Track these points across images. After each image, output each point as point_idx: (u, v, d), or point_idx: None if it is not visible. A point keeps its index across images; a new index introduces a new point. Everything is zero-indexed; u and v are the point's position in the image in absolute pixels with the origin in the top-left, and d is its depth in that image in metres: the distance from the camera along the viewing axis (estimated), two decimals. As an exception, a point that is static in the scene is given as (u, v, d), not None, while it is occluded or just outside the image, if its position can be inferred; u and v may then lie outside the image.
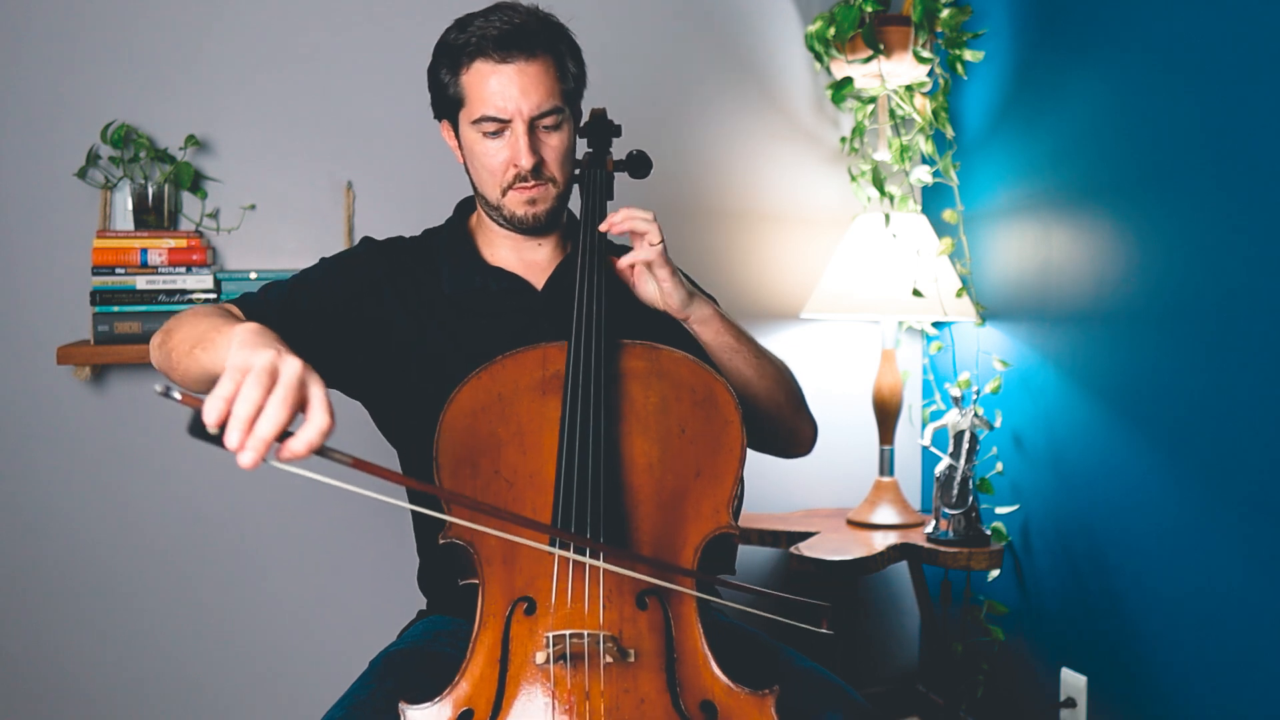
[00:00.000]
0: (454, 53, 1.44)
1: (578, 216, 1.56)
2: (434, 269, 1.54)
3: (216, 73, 2.30)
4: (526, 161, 1.42)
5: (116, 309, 2.18)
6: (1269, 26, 1.74)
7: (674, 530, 1.29)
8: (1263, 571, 1.78)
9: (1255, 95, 1.77)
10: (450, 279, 1.52)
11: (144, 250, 2.19)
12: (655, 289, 1.48)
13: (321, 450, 1.00)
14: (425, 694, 1.18)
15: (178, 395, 0.95)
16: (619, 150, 1.65)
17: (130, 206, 2.23)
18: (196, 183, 2.29)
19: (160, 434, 2.31)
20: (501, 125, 1.43)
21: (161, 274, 2.20)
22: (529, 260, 1.55)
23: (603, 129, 1.63)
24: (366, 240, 1.58)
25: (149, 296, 2.19)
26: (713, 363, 1.50)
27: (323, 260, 1.55)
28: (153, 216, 2.23)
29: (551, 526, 1.23)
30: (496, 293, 1.52)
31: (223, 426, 0.97)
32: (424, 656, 1.39)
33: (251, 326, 1.13)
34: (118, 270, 2.18)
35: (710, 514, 1.30)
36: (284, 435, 0.99)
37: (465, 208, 1.62)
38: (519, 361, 1.37)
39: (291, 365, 1.02)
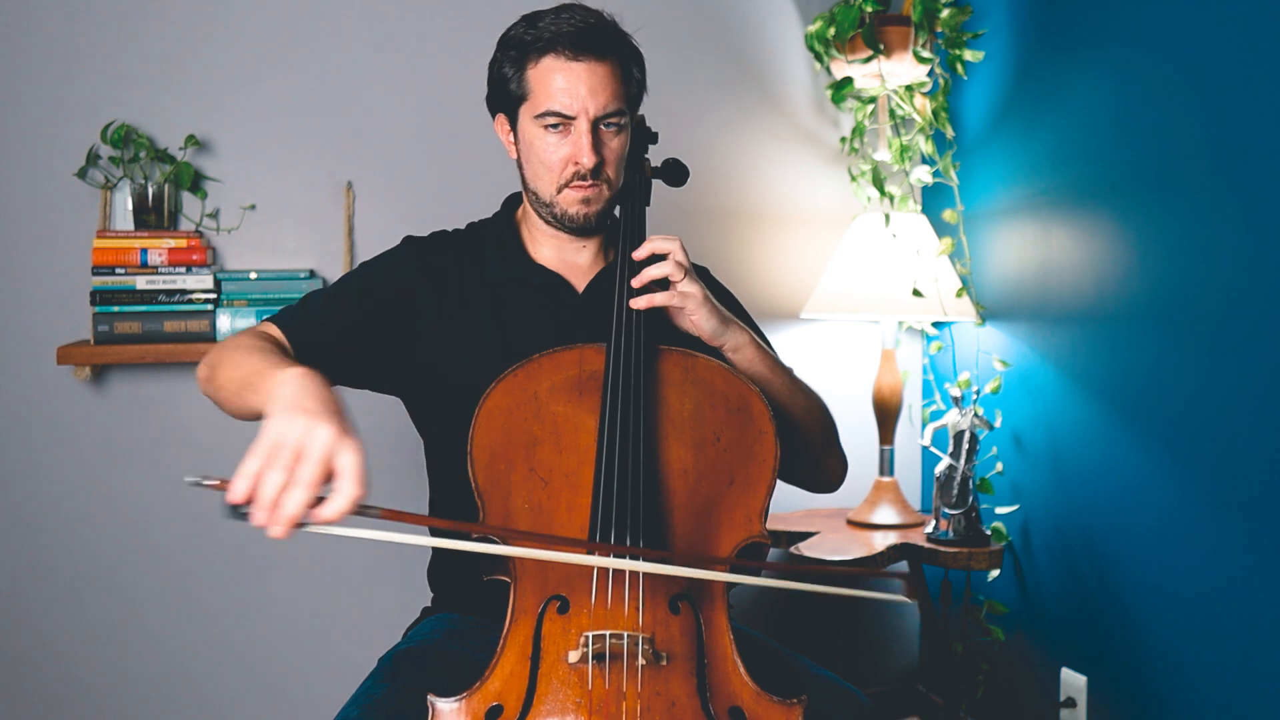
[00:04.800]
0: (522, 47, 1.44)
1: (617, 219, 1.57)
2: (479, 258, 1.54)
3: (216, 73, 2.30)
4: (588, 160, 1.43)
5: (116, 309, 2.18)
6: (1270, 26, 1.75)
7: (707, 537, 1.29)
8: (1263, 571, 1.78)
9: (1256, 95, 1.78)
10: (494, 269, 1.53)
11: (144, 250, 2.19)
12: (685, 316, 1.46)
13: (356, 510, 1.03)
14: (442, 692, 1.18)
15: (207, 483, 1.01)
16: (654, 157, 1.65)
17: (130, 206, 2.22)
18: (196, 183, 2.29)
19: (160, 434, 2.31)
20: (566, 121, 1.43)
21: (161, 274, 2.20)
22: (571, 262, 1.55)
23: (640, 135, 1.63)
24: (406, 240, 1.58)
25: (149, 296, 2.19)
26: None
27: (363, 264, 1.56)
28: (153, 216, 2.23)
29: (590, 540, 1.23)
30: (538, 288, 1.52)
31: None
32: (436, 655, 1.39)
33: (291, 378, 1.11)
34: (118, 270, 2.18)
35: (743, 522, 1.31)
36: (318, 499, 1.01)
37: (512, 203, 1.62)
38: (555, 361, 1.37)
39: (319, 440, 1.02)
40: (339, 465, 1.02)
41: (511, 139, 1.53)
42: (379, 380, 1.52)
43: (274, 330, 1.44)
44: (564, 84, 1.42)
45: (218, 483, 1.01)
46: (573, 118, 1.42)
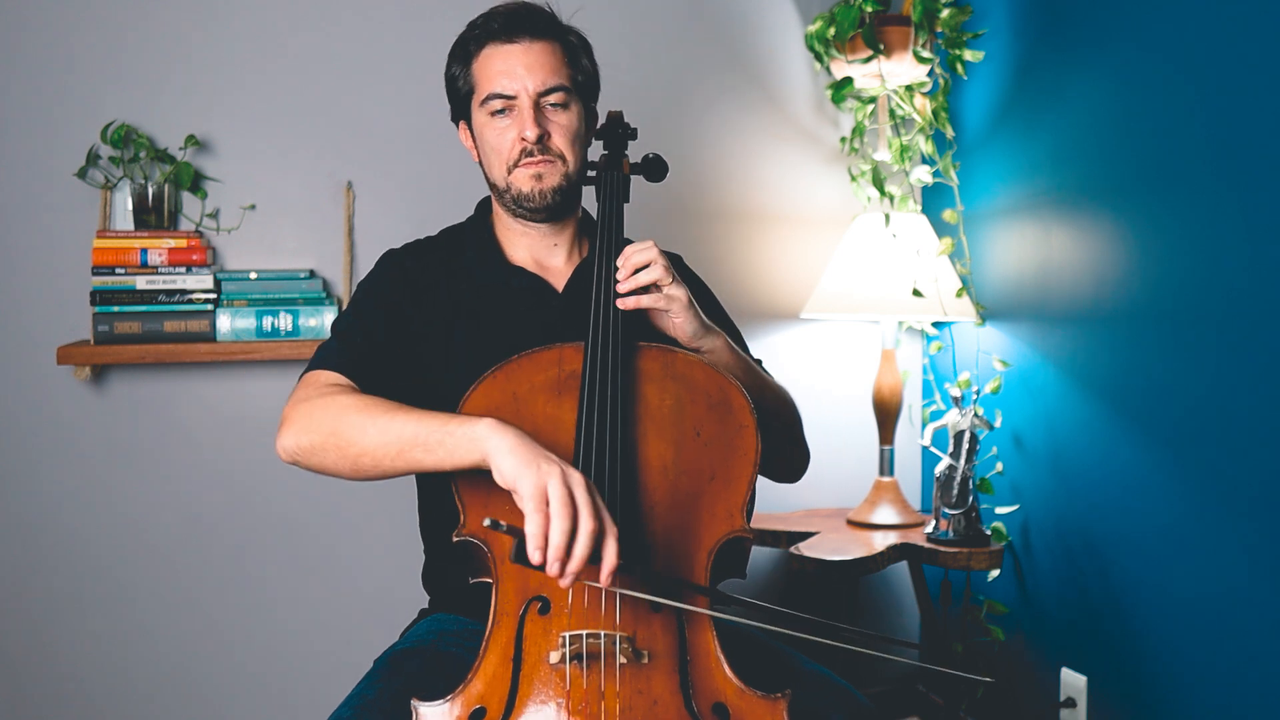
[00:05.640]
0: (465, 45, 1.50)
1: (594, 218, 1.56)
2: (462, 261, 1.55)
3: (216, 73, 2.30)
4: (531, 132, 1.44)
5: (116, 309, 2.18)
6: (1270, 26, 1.74)
7: (687, 533, 1.29)
8: (1263, 571, 1.78)
9: (1256, 95, 1.77)
10: (475, 272, 1.53)
11: (144, 250, 2.19)
12: (668, 318, 1.46)
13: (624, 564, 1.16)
14: (433, 693, 1.18)
15: (504, 526, 1.10)
16: (634, 153, 1.65)
17: (130, 206, 2.23)
18: (196, 183, 2.29)
19: (160, 434, 2.31)
20: (509, 103, 1.46)
21: (161, 274, 2.20)
22: (546, 264, 1.56)
23: (619, 131, 1.64)
24: (385, 256, 1.56)
25: (149, 296, 2.19)
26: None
27: (360, 286, 1.54)
28: (153, 216, 2.23)
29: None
30: (520, 290, 1.52)
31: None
32: (430, 656, 1.39)
33: (497, 426, 1.20)
34: (118, 270, 2.18)
35: (724, 517, 1.31)
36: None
37: (485, 207, 1.62)
38: (534, 361, 1.37)
39: (578, 482, 1.14)
40: (598, 503, 1.15)
41: (472, 143, 1.55)
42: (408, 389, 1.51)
43: (335, 378, 1.39)
44: (502, 66, 1.46)
45: (506, 528, 1.10)
46: (514, 97, 1.46)
